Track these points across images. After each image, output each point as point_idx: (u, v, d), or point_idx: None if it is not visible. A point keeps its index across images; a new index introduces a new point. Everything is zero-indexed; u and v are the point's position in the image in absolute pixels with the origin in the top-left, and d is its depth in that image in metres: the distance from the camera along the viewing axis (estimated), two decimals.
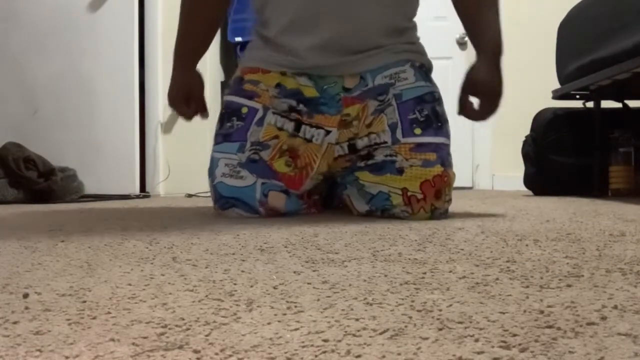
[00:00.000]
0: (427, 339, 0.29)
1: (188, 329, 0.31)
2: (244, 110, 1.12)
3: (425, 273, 0.47)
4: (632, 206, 1.35)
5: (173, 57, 1.24)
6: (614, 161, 2.00)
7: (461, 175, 3.31)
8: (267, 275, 0.47)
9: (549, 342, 0.28)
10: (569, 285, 0.42)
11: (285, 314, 0.35)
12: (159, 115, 2.89)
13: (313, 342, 0.29)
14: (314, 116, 1.11)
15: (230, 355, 0.27)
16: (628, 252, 0.57)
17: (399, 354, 0.27)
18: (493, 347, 0.28)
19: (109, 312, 0.35)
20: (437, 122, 1.08)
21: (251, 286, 0.43)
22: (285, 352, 0.27)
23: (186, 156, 2.83)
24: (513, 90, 3.18)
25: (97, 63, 2.72)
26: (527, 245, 0.64)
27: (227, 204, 1.08)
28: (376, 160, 1.06)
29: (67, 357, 0.27)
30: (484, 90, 1.12)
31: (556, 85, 2.21)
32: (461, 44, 3.37)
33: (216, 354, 0.27)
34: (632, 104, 2.15)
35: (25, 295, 0.40)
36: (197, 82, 1.26)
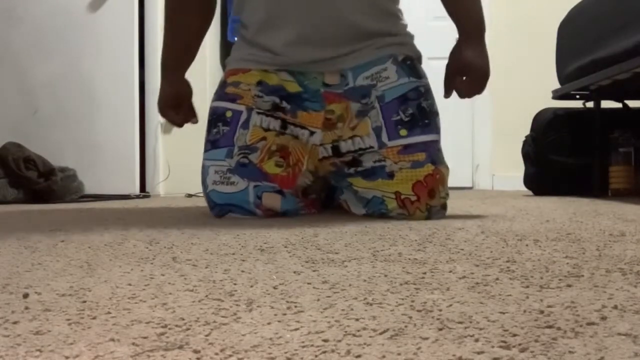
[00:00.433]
0: (427, 339, 0.29)
1: (188, 329, 0.31)
2: (228, 114, 1.11)
3: (425, 273, 0.47)
4: (632, 206, 1.35)
5: (160, 68, 1.24)
6: (614, 161, 2.00)
7: (461, 175, 3.33)
8: (267, 275, 0.47)
9: (549, 342, 0.28)
10: (569, 285, 0.42)
11: (285, 314, 0.35)
12: (159, 115, 2.88)
13: (313, 342, 0.29)
14: (297, 114, 1.10)
15: (230, 355, 0.27)
16: (628, 252, 0.57)
17: (399, 354, 0.27)
18: (493, 347, 0.28)
19: (109, 312, 0.35)
20: (423, 120, 1.07)
21: (251, 286, 0.43)
22: (285, 352, 0.27)
23: (186, 156, 2.82)
24: (513, 90, 3.19)
25: (97, 63, 2.72)
26: (527, 245, 0.64)
27: (223, 211, 1.08)
28: (365, 167, 1.06)
29: (67, 357, 0.27)
30: (472, 71, 1.12)
31: (556, 85, 2.21)
32: None
33: (216, 354, 0.27)
34: (632, 104, 2.15)
35: (25, 295, 0.40)
36: (185, 91, 1.26)
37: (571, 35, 2.09)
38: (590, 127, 2.07)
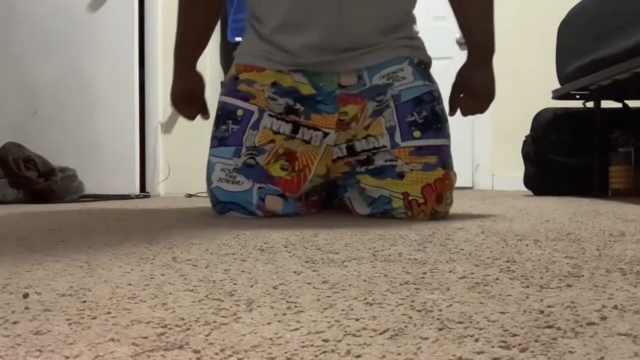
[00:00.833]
0: (427, 339, 0.29)
1: (188, 329, 0.31)
2: (240, 112, 1.10)
3: (425, 273, 0.47)
4: (632, 206, 1.35)
5: (173, 59, 1.24)
6: (614, 161, 2.00)
7: (461, 175, 3.31)
8: (267, 275, 0.47)
9: (549, 342, 0.28)
10: (569, 285, 0.42)
11: (285, 314, 0.35)
12: (159, 115, 2.89)
13: (313, 342, 0.29)
14: (311, 116, 1.09)
15: (230, 355, 0.27)
16: (628, 252, 0.57)
17: (399, 354, 0.27)
18: (493, 347, 0.28)
19: (109, 312, 0.35)
20: (436, 123, 1.07)
21: (251, 286, 0.43)
22: (285, 352, 0.27)
23: (186, 156, 2.83)
24: (513, 90, 3.19)
25: (97, 63, 2.72)
26: (527, 245, 0.64)
27: (225, 208, 1.08)
28: (376, 165, 1.06)
29: (67, 357, 0.27)
30: (478, 94, 1.15)
31: (556, 85, 2.21)
32: (461, 44, 3.37)
33: (216, 354, 0.27)
34: (632, 104, 2.15)
35: (25, 295, 0.40)
36: (198, 83, 1.26)
37: (571, 35, 2.09)
38: (590, 127, 2.07)
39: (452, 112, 1.17)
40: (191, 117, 1.28)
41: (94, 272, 0.49)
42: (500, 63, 3.52)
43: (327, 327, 0.32)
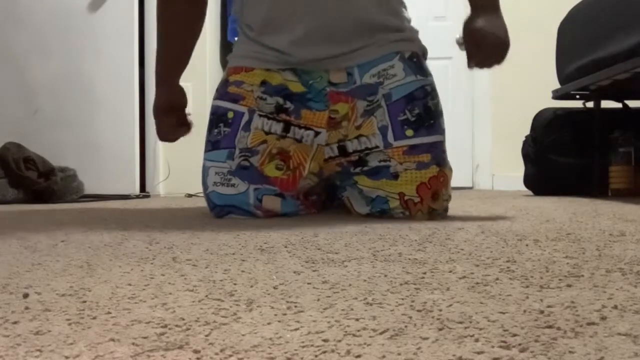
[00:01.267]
0: (427, 339, 0.29)
1: (188, 329, 0.31)
2: (230, 115, 1.10)
3: (425, 273, 0.47)
4: (632, 206, 1.35)
5: (155, 77, 1.24)
6: (614, 161, 2.00)
7: (461, 175, 3.32)
8: (267, 275, 0.47)
9: (549, 342, 0.28)
10: (569, 285, 0.42)
11: (285, 314, 0.35)
12: None
13: (313, 342, 0.29)
14: (301, 114, 1.09)
15: (230, 355, 0.27)
16: (628, 252, 0.57)
17: (399, 354, 0.27)
18: (493, 347, 0.28)
19: (109, 312, 0.35)
20: (429, 120, 1.06)
21: (251, 286, 0.43)
22: (285, 352, 0.27)
23: (186, 156, 2.82)
24: (513, 90, 3.19)
25: (97, 63, 2.72)
26: (527, 245, 0.64)
27: (223, 212, 1.08)
28: (371, 166, 1.06)
29: (67, 357, 0.27)
30: (486, 42, 1.06)
31: (556, 85, 2.21)
32: (461, 44, 3.38)
33: (216, 354, 0.27)
34: (632, 104, 2.15)
35: (25, 295, 0.40)
36: (179, 97, 1.25)
37: (571, 35, 2.09)
38: (590, 127, 2.07)
39: (470, 65, 1.10)
40: (171, 133, 1.26)
41: (94, 272, 0.49)
42: None
43: (327, 327, 0.32)
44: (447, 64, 3.33)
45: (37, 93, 2.74)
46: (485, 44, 1.06)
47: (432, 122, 1.07)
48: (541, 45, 2.79)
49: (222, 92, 1.15)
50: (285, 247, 0.64)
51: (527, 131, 2.32)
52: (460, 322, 0.32)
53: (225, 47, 2.98)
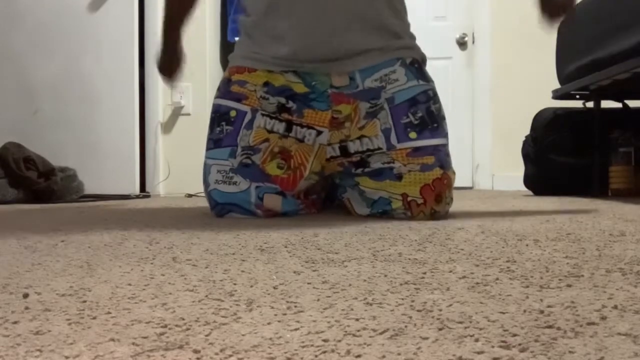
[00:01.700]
0: (427, 339, 0.29)
1: (188, 329, 0.31)
2: (233, 113, 1.11)
3: (425, 273, 0.47)
4: (632, 206, 1.35)
5: (162, 27, 1.26)
6: (614, 161, 2.00)
7: (461, 175, 3.32)
8: (267, 275, 0.47)
9: (549, 342, 0.28)
10: (569, 285, 0.42)
11: (285, 314, 0.35)
12: (159, 115, 2.89)
13: (313, 342, 0.29)
14: (303, 113, 1.09)
15: (230, 355, 0.27)
16: (628, 252, 0.57)
17: (399, 354, 0.27)
18: (493, 347, 0.28)
19: (109, 312, 0.35)
20: (432, 123, 1.07)
21: (251, 286, 0.43)
22: (285, 352, 0.27)
23: (186, 156, 2.83)
24: (513, 90, 3.19)
25: (97, 63, 2.72)
26: (527, 245, 0.64)
27: (224, 210, 1.08)
28: (373, 168, 1.06)
29: (67, 357, 0.27)
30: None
31: (556, 85, 2.21)
32: (461, 44, 3.37)
33: (216, 354, 0.27)
34: (632, 104, 2.15)
35: (25, 295, 0.40)
36: (181, 54, 1.27)
37: (571, 35, 2.09)
38: (590, 127, 2.07)
39: (544, 16, 1.13)
40: (176, 61, 1.27)
41: (94, 272, 0.49)
42: (500, 63, 3.51)
43: (327, 327, 0.32)
44: (447, 64, 3.33)
45: (37, 93, 2.74)
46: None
47: (435, 126, 1.07)
48: (541, 45, 2.79)
49: (225, 90, 1.15)
50: (285, 247, 0.64)
51: (527, 131, 2.32)
52: (460, 322, 0.32)
53: (225, 47, 2.98)
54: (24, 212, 1.46)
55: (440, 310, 0.35)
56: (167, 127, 2.90)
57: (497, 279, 0.45)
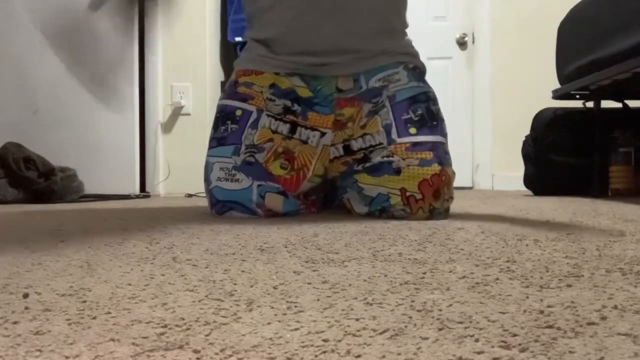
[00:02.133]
0: (427, 339, 0.29)
1: (188, 329, 0.31)
2: (238, 112, 1.12)
3: (425, 273, 0.47)
4: (632, 206, 1.35)
5: None
6: (614, 161, 2.00)
7: (461, 175, 3.32)
8: (267, 275, 0.47)
9: (549, 342, 0.28)
10: (569, 285, 0.42)
11: (285, 314, 0.35)
12: (159, 115, 2.89)
13: (313, 342, 0.29)
14: (308, 116, 1.11)
15: (230, 355, 0.27)
16: (628, 252, 0.57)
17: (399, 354, 0.27)
18: (493, 347, 0.28)
19: (109, 312, 0.35)
20: (431, 121, 1.08)
21: (251, 286, 0.43)
22: (285, 352, 0.27)
23: (186, 156, 2.83)
24: (513, 90, 3.19)
25: (97, 63, 2.72)
26: (527, 245, 0.64)
27: (224, 208, 1.08)
28: (373, 162, 1.06)
29: (67, 357, 0.27)
30: None
31: (556, 85, 2.21)
32: (461, 44, 3.37)
33: (216, 354, 0.27)
34: (632, 104, 2.15)
35: (25, 295, 0.40)
36: None
37: (571, 35, 2.09)
38: (590, 127, 2.07)
39: None
40: None
41: (94, 272, 0.49)
42: (500, 63, 3.51)
43: (327, 327, 0.32)
44: (447, 64, 3.33)
45: (37, 93, 2.74)
46: None
47: (434, 124, 1.09)
48: (541, 45, 2.79)
49: (231, 92, 1.16)
50: (285, 247, 0.64)
51: (527, 131, 2.32)
52: (460, 322, 0.32)
53: (226, 47, 2.98)
54: (24, 212, 1.46)
55: (440, 310, 0.35)
56: (167, 127, 2.90)
57: (497, 279, 0.45)
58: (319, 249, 0.62)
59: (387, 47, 1.14)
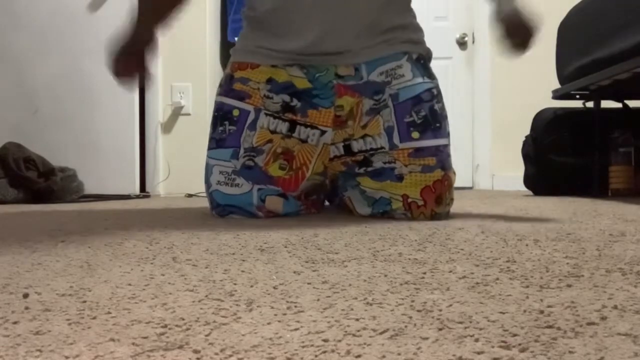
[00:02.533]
0: (427, 339, 0.29)
1: (188, 329, 0.31)
2: (236, 112, 1.10)
3: (425, 273, 0.47)
4: (632, 206, 1.35)
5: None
6: (614, 161, 2.00)
7: (461, 175, 3.32)
8: (267, 275, 0.47)
9: (549, 342, 0.28)
10: (569, 285, 0.42)
11: (285, 314, 0.35)
12: (159, 115, 2.89)
13: (313, 342, 0.29)
14: (307, 113, 1.09)
15: (230, 355, 0.27)
16: (628, 252, 0.57)
17: (399, 354, 0.27)
18: (493, 347, 0.28)
19: (109, 312, 0.35)
20: (435, 123, 1.06)
21: (251, 286, 0.43)
22: (285, 352, 0.27)
23: (186, 156, 2.83)
24: (513, 90, 3.19)
25: (97, 63, 2.71)
26: (527, 245, 0.64)
27: (225, 211, 1.08)
28: (375, 167, 1.05)
29: (67, 357, 0.27)
30: (517, 31, 1.03)
31: (556, 85, 2.21)
32: (461, 44, 3.37)
33: (216, 354, 0.27)
34: (632, 104, 2.15)
35: (25, 295, 0.40)
36: (148, 39, 1.10)
37: (571, 35, 2.09)
38: (590, 127, 2.07)
39: (504, 50, 1.07)
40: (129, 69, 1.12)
41: (94, 272, 0.49)
42: (500, 63, 3.50)
43: (327, 327, 0.32)
44: (447, 64, 3.33)
45: (37, 93, 2.74)
46: (519, 35, 1.03)
47: (438, 126, 1.07)
48: (541, 45, 2.79)
49: (227, 88, 1.14)
50: (285, 247, 0.64)
51: (527, 131, 2.32)
52: (460, 322, 0.32)
53: (226, 47, 2.98)
54: (24, 212, 1.46)
55: (440, 310, 0.35)
56: (167, 127, 2.90)
57: (497, 279, 0.45)
58: (319, 249, 0.62)
59: (388, 36, 1.10)
